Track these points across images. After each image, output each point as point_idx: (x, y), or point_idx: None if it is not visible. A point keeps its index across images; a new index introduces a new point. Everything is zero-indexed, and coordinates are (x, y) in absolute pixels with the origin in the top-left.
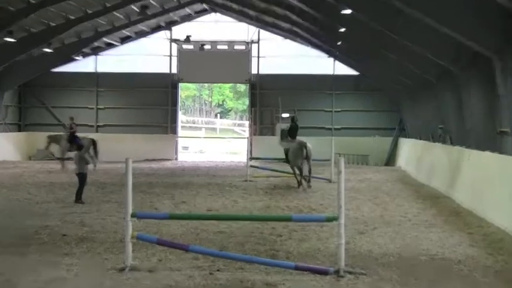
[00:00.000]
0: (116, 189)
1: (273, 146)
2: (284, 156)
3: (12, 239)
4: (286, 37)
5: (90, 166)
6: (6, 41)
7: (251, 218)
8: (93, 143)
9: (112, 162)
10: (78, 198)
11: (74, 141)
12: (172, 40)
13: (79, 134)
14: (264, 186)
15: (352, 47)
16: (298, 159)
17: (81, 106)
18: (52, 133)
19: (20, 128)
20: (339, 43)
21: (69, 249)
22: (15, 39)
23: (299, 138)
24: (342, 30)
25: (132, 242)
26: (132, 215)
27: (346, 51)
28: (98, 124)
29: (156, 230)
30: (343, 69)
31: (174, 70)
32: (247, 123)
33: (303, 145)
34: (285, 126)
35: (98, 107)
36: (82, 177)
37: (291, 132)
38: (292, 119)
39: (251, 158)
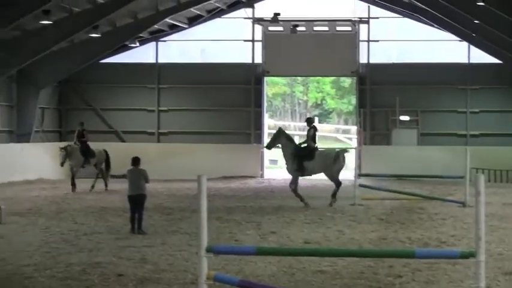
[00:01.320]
0: (185, 215)
1: (389, 158)
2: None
3: (52, 282)
4: (404, 15)
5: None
6: (41, 23)
7: (361, 253)
8: (106, 155)
9: (178, 180)
10: (138, 228)
11: (88, 154)
12: (255, 20)
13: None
14: (377, 211)
15: (497, 25)
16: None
17: (138, 108)
18: (66, 143)
19: (60, 137)
20: (477, 21)
21: None
22: (51, 20)
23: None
24: (481, 3)
25: (207, 284)
26: (208, 250)
27: (486, 33)
28: (159, 131)
29: (238, 268)
30: (481, 57)
31: (258, 60)
32: (354, 128)
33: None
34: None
35: (160, 108)
36: (142, 199)
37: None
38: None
39: (360, 175)
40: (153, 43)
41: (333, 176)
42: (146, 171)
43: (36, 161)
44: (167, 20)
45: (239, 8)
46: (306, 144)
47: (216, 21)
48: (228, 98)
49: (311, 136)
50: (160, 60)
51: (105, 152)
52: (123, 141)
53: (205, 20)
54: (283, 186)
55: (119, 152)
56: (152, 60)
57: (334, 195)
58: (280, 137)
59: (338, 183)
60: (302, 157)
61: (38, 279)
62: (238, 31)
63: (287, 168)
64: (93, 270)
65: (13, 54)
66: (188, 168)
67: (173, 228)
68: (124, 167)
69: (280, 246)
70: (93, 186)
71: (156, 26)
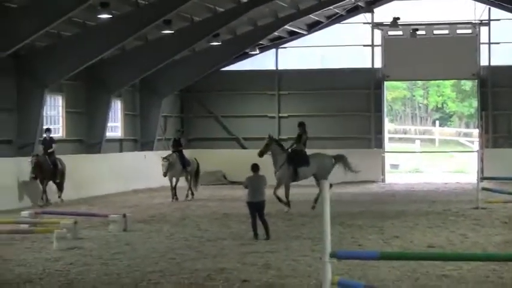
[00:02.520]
0: (307, 221)
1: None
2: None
3: (176, 287)
4: None
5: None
6: (163, 33)
7: (486, 257)
8: (197, 164)
9: (297, 186)
10: (266, 233)
11: (185, 163)
12: (374, 25)
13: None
14: (501, 214)
15: None
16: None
17: (259, 114)
18: (166, 152)
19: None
20: None
21: None
22: (172, 30)
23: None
24: None
25: None
26: (332, 255)
27: None
28: (280, 137)
29: (362, 273)
30: None
31: (378, 65)
32: (475, 131)
33: None
34: None
35: (280, 115)
36: (262, 205)
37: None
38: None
39: (483, 178)
40: (273, 50)
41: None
42: (265, 178)
43: (159, 169)
44: (287, 27)
45: (358, 13)
46: (293, 150)
47: (336, 27)
48: (348, 103)
49: (304, 141)
50: (280, 67)
51: (196, 160)
52: (244, 148)
53: (324, 26)
54: (405, 190)
55: (240, 159)
56: (272, 67)
57: (316, 200)
58: (272, 145)
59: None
60: (297, 163)
61: (164, 285)
62: (357, 36)
63: (278, 174)
64: (218, 276)
65: (136, 64)
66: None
67: (295, 234)
68: (245, 174)
69: (404, 251)
70: (187, 196)
71: (275, 33)
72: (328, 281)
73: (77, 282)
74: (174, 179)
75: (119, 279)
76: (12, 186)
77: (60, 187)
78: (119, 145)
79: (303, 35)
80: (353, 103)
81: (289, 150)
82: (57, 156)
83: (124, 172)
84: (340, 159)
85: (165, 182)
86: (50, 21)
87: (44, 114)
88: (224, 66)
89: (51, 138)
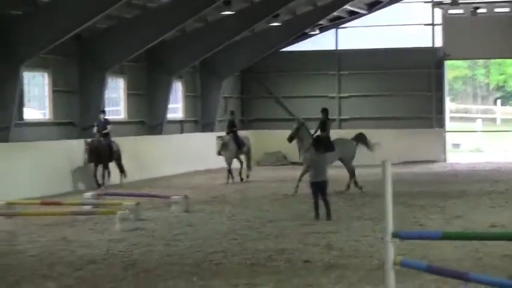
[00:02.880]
0: (367, 201)
1: None
2: None
3: (240, 268)
4: None
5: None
6: (223, 14)
7: None
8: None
9: (359, 166)
10: (327, 214)
11: (239, 143)
12: (435, 4)
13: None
14: None
15: None
16: None
17: (319, 95)
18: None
19: (242, 125)
20: None
21: (314, 279)
22: (232, 11)
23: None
24: None
25: (394, 269)
26: (394, 235)
27: None
28: (341, 117)
29: (424, 253)
30: None
31: (438, 44)
32: None
33: None
34: None
35: (341, 95)
36: (324, 185)
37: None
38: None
39: None
40: (333, 30)
41: (350, 164)
42: (326, 157)
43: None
44: (347, 6)
45: None
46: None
47: (396, 6)
48: (409, 83)
49: (329, 127)
50: (340, 47)
51: (248, 140)
52: None
53: (384, 5)
54: (466, 170)
55: None
56: (332, 47)
57: (357, 183)
58: (301, 129)
59: (353, 171)
60: (323, 148)
61: (226, 265)
62: (417, 15)
63: (306, 158)
64: (279, 257)
65: (196, 46)
66: (369, 154)
67: (357, 214)
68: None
69: (466, 231)
70: (241, 176)
71: (335, 13)
72: (390, 261)
73: (140, 263)
74: (229, 160)
75: (181, 260)
76: (72, 169)
77: (121, 169)
78: (180, 126)
79: (363, 14)
80: (414, 83)
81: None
82: (116, 138)
83: (185, 153)
84: (359, 139)
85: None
86: (111, 4)
87: (106, 96)
88: (284, 47)
89: (105, 119)
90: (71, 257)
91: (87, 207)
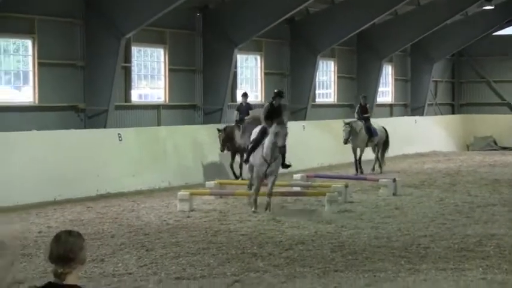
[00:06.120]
0: None
1: None
2: None
3: (448, 252)
4: None
5: None
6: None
7: None
8: (386, 134)
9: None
10: None
11: (371, 132)
12: None
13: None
14: None
15: None
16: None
17: None
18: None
19: (453, 110)
20: None
21: None
22: None
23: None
24: None
25: None
26: None
27: None
28: None
29: None
30: None
31: None
32: None
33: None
34: None
35: None
36: None
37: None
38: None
39: None
40: None
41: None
42: None
43: (429, 134)
44: None
45: None
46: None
47: None
48: None
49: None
50: None
51: (385, 130)
52: None
53: None
54: None
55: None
56: None
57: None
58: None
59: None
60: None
61: (434, 250)
62: None
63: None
64: (488, 242)
65: (407, 29)
66: None
67: None
68: None
69: None
70: (373, 169)
71: None
72: None
73: (348, 245)
74: (358, 150)
75: (389, 243)
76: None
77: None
78: (389, 110)
79: None
80: None
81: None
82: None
83: (394, 137)
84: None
85: (436, 147)
86: None
87: (316, 79)
88: (496, 31)
89: (248, 104)
90: (280, 237)
91: (297, 189)
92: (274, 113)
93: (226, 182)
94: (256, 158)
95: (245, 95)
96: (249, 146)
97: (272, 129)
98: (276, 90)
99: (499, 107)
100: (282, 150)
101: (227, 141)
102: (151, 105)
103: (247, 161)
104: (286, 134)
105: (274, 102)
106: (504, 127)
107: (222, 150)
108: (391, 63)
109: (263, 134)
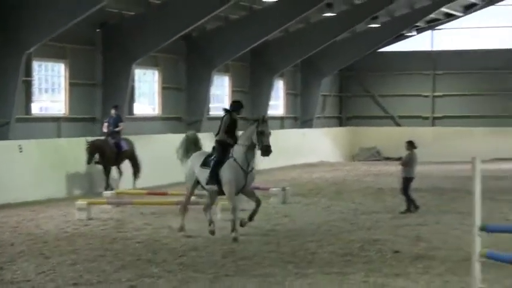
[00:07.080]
0: (458, 196)
1: None
2: None
3: (334, 257)
4: None
5: None
6: (325, 16)
7: None
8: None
9: (451, 162)
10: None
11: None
12: None
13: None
14: None
15: None
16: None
17: (413, 94)
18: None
19: (340, 122)
20: None
21: (402, 268)
22: (334, 13)
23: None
24: None
25: (480, 261)
26: (481, 228)
27: None
28: (434, 115)
29: (509, 246)
30: None
31: None
32: None
33: None
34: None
35: (435, 94)
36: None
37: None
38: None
39: None
40: (429, 32)
41: None
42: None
43: (318, 145)
44: (443, 9)
45: None
46: None
47: (491, 9)
48: (503, 83)
49: None
50: (435, 48)
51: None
52: (398, 125)
53: (480, 8)
54: None
55: (394, 136)
56: (428, 48)
57: None
58: None
59: None
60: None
61: (320, 255)
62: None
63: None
64: (371, 247)
65: (298, 45)
66: (460, 151)
67: (446, 208)
68: (399, 151)
69: None
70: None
71: (432, 15)
72: (476, 253)
73: (239, 251)
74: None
75: (278, 248)
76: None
77: (135, 170)
78: (280, 122)
79: (459, 16)
80: (507, 83)
81: None
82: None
83: (285, 148)
84: None
85: (323, 157)
86: (219, 5)
87: (211, 93)
88: (382, 47)
89: (118, 115)
90: (174, 244)
91: (192, 198)
92: (233, 126)
93: (124, 192)
94: (228, 173)
95: (116, 107)
96: (212, 166)
97: (251, 129)
98: (235, 100)
99: (383, 119)
100: (270, 150)
101: (95, 153)
102: (51, 118)
103: (211, 182)
104: (270, 133)
105: (232, 114)
106: (387, 139)
107: (89, 163)
108: (283, 78)
109: (225, 149)
